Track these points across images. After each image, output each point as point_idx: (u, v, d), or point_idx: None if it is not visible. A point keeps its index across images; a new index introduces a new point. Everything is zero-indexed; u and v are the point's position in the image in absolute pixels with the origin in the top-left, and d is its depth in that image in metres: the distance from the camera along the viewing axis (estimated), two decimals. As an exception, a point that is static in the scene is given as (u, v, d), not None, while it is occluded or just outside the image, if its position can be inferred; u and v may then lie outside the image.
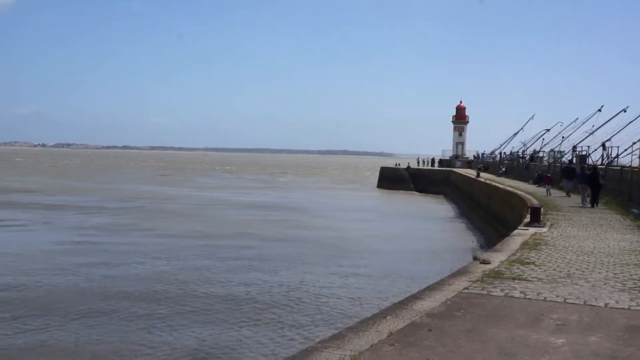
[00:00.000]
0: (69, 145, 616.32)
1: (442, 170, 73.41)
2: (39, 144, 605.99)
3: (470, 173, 56.08)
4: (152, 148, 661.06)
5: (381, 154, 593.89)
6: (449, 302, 8.54)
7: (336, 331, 7.76)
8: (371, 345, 6.45)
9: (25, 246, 23.70)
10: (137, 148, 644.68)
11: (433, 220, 39.48)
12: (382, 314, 7.92)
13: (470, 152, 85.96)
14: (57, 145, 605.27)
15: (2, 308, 14.66)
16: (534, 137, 64.44)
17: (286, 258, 22.63)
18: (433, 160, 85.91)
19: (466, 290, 9.25)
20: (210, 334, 13.14)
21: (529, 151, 62.31)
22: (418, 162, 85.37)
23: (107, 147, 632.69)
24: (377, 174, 77.86)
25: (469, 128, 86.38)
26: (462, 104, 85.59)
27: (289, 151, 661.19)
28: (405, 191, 65.89)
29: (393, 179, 71.99)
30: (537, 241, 14.64)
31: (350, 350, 6.25)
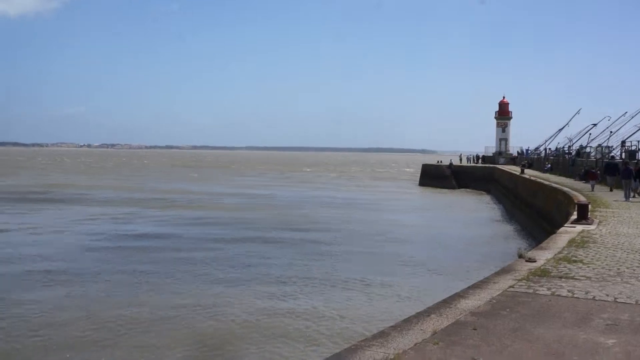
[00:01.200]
0: (113, 145, 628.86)
1: (485, 167, 72.42)
2: (84, 145, 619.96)
3: (514, 170, 55.17)
4: (194, 147, 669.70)
5: (423, 151, 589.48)
6: (494, 301, 8.41)
7: (379, 330, 7.72)
8: (415, 344, 6.39)
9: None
10: (180, 147, 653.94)
11: (476, 217, 38.98)
12: (426, 313, 7.84)
13: (514, 148, 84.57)
14: (101, 146, 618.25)
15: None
16: (580, 133, 62.89)
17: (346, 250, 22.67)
18: (477, 157, 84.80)
19: (511, 289, 9.09)
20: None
21: (575, 147, 60.92)
22: (460, 159, 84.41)
23: (150, 147, 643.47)
24: (419, 171, 77.33)
25: (512, 124, 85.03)
26: (505, 100, 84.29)
27: (332, 149, 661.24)
28: (447, 188, 65.27)
29: (435, 176, 71.35)
30: (585, 239, 14.30)
31: (394, 349, 6.20)
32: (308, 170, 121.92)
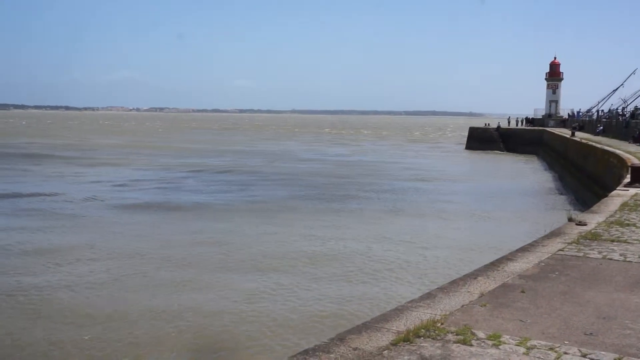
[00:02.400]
0: (161, 109, 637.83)
1: (534, 129, 70.84)
2: (133, 109, 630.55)
3: (565, 132, 53.82)
4: (241, 111, 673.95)
5: (470, 114, 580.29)
6: (543, 264, 8.32)
7: (426, 290, 7.74)
8: (462, 306, 6.39)
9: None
10: (226, 111, 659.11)
11: (525, 181, 38.33)
12: (473, 275, 7.81)
13: (564, 110, 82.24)
14: (150, 110, 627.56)
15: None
16: (635, 94, 60.71)
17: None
18: (527, 120, 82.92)
19: (561, 252, 8.96)
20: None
21: (630, 108, 58.87)
22: (509, 122, 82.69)
23: (198, 111, 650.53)
24: (465, 134, 76.27)
25: (563, 85, 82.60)
26: (556, 60, 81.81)
27: (375, 112, 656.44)
28: (495, 151, 64.25)
29: (482, 139, 70.25)
30: (639, 202, 13.94)
31: (441, 310, 6.22)
32: (365, 132, 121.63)
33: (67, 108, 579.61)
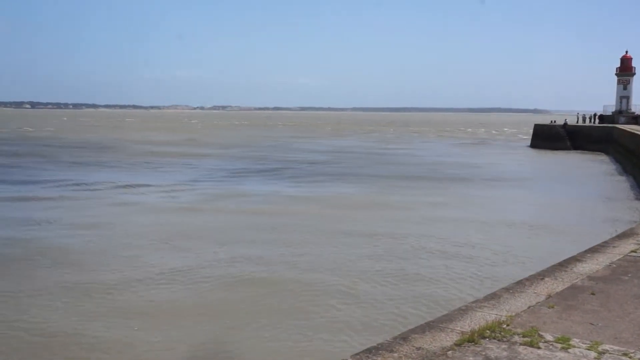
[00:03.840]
0: (224, 107, 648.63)
1: (604, 126, 68.39)
2: (197, 107, 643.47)
3: (637, 129, 51.74)
4: (302, 109, 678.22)
5: (535, 111, 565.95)
6: (614, 265, 8.03)
7: (490, 291, 7.59)
8: (529, 307, 6.23)
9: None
10: (289, 109, 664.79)
11: (594, 180, 37.10)
12: (540, 275, 7.61)
13: (636, 106, 79.09)
14: (214, 108, 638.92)
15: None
16: None
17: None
18: (595, 117, 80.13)
19: (634, 254, 8.63)
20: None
21: None
22: (577, 119, 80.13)
23: (260, 109, 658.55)
24: (531, 131, 74.44)
25: (635, 80, 79.40)
26: (628, 55, 78.72)
27: (437, 109, 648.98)
28: (561, 150, 62.43)
29: (548, 137, 68.34)
30: None
31: (507, 311, 6.08)
32: (426, 130, 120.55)
33: (134, 107, 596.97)
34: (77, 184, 29.84)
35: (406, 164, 45.34)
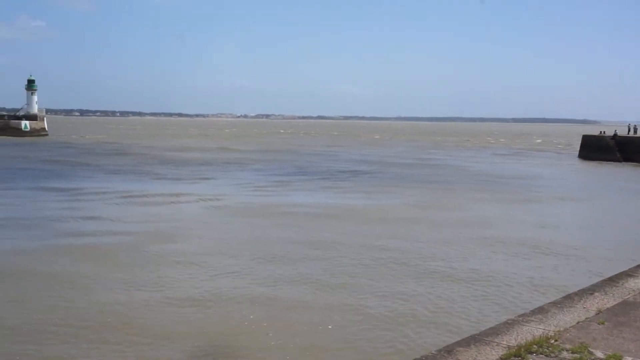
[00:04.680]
0: (267, 116, 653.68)
1: (656, 138, 66.51)
2: (241, 115, 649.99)
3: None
4: (345, 118, 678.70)
5: (584, 122, 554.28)
6: (668, 282, 7.76)
7: (538, 304, 7.42)
8: (578, 322, 6.08)
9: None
10: (332, 118, 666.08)
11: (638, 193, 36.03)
12: (589, 290, 7.42)
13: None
14: (257, 116, 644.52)
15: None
16: None
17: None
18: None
19: (688, 270, 8.34)
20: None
21: None
22: (628, 130, 77.95)
23: (303, 117, 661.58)
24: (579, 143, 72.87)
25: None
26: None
27: (482, 119, 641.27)
28: (610, 162, 60.84)
29: (597, 148, 66.72)
30: None
31: (554, 326, 5.94)
32: (492, 139, 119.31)
33: (179, 115, 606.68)
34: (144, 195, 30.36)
35: (461, 174, 44.83)
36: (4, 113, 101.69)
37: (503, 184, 38.23)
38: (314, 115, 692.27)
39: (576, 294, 7.28)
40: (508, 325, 6.04)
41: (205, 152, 67.26)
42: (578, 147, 72.43)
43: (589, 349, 5.32)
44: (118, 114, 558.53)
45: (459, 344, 5.46)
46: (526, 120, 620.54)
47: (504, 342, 5.47)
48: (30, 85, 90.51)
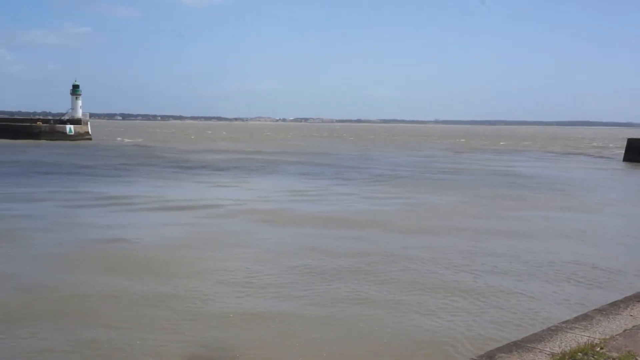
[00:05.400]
0: (306, 119, 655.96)
1: None
2: (279, 119, 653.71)
3: None
4: (384, 121, 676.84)
5: (628, 125, 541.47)
6: None
7: (580, 312, 7.25)
8: (624, 330, 5.92)
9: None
10: (370, 121, 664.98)
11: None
12: (637, 298, 7.23)
13: None
14: (295, 120, 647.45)
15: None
16: None
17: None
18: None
19: None
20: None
21: None
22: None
23: (341, 121, 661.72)
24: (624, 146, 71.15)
25: None
26: None
27: (524, 122, 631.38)
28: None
29: (643, 151, 65.16)
30: None
31: (600, 334, 5.80)
32: (527, 144, 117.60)
33: (219, 119, 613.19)
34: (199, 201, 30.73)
35: (528, 182, 44.24)
36: (50, 117, 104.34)
37: (553, 188, 37.52)
38: (353, 118, 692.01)
39: (622, 301, 7.11)
40: (551, 332, 5.93)
41: (242, 154, 67.83)
42: (622, 151, 70.88)
43: (637, 357, 5.18)
44: (159, 118, 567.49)
45: (500, 350, 5.37)
46: (568, 123, 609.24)
47: (547, 349, 5.37)
48: (75, 90, 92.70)
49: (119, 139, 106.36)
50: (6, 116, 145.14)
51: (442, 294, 13.48)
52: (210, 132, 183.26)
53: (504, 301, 13.02)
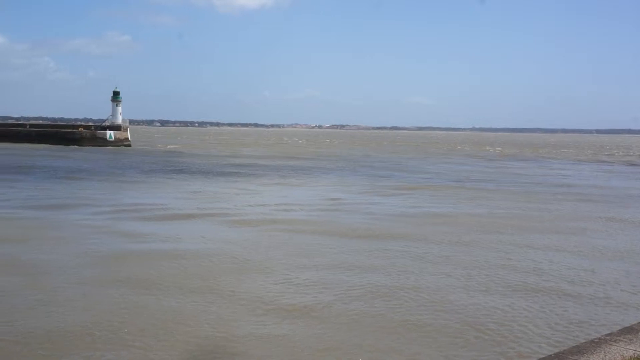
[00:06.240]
0: (342, 126, 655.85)
1: None
2: (316, 125, 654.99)
3: None
4: (420, 129, 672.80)
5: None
6: None
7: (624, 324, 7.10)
8: (671, 344, 5.77)
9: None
10: (406, 128, 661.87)
11: None
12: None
13: None
14: (332, 127, 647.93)
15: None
16: None
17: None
18: None
19: None
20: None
21: None
22: None
23: (377, 128, 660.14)
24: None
25: None
26: None
27: (563, 130, 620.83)
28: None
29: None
30: None
31: (646, 347, 5.67)
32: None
33: (255, 125, 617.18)
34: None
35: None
36: (91, 124, 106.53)
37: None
38: (388, 126, 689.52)
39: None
40: (594, 345, 5.82)
41: (276, 159, 68.27)
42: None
43: (684, 372, 5.05)
44: (196, 124, 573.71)
45: (543, 362, 5.30)
46: (611, 131, 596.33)
47: (591, 362, 5.27)
48: (115, 97, 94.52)
49: (159, 145, 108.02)
50: (50, 122, 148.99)
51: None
52: (249, 138, 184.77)
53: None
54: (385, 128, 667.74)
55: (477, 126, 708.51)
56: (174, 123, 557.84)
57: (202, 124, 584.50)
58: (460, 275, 15.89)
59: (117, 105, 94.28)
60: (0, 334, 11.03)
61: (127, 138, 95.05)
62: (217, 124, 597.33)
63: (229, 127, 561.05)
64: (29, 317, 11.98)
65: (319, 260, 17.28)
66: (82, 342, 10.78)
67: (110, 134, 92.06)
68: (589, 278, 15.97)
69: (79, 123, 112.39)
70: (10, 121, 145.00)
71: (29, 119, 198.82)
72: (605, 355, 5.46)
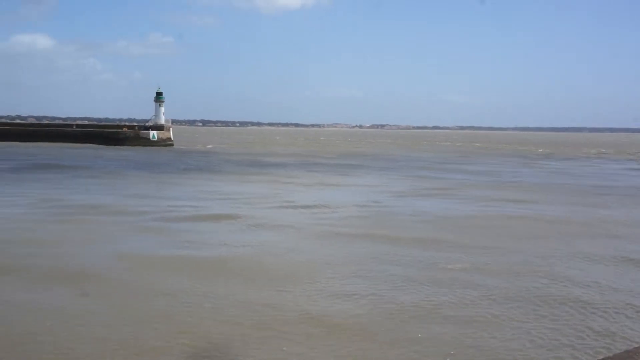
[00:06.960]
0: (382, 126, 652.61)
1: None
2: (356, 125, 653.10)
3: None
4: (461, 128, 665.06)
5: None
6: None
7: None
8: None
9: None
10: (447, 128, 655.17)
11: None
12: None
13: None
14: (372, 126, 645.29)
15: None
16: None
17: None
18: None
19: None
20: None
21: None
22: None
23: (418, 127, 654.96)
24: None
25: None
26: None
27: (611, 129, 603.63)
28: None
29: None
30: None
31: (681, 360, 5.55)
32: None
33: (296, 125, 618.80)
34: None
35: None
36: (135, 124, 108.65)
37: None
38: (429, 125, 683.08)
39: None
40: (629, 356, 5.72)
41: (317, 157, 68.34)
42: None
43: None
44: (238, 124, 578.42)
45: (571, 373, 5.24)
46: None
47: (623, 374, 5.19)
48: (158, 97, 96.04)
49: (198, 145, 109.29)
50: (95, 122, 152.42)
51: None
52: (290, 137, 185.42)
53: None
54: (426, 127, 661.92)
55: (519, 125, 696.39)
56: (215, 123, 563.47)
57: (243, 123, 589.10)
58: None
59: (159, 105, 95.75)
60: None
61: (170, 138, 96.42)
62: (258, 124, 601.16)
63: (269, 127, 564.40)
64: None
65: (367, 270, 16.51)
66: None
67: (153, 134, 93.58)
68: None
69: (123, 123, 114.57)
70: (57, 121, 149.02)
71: (75, 119, 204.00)
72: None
